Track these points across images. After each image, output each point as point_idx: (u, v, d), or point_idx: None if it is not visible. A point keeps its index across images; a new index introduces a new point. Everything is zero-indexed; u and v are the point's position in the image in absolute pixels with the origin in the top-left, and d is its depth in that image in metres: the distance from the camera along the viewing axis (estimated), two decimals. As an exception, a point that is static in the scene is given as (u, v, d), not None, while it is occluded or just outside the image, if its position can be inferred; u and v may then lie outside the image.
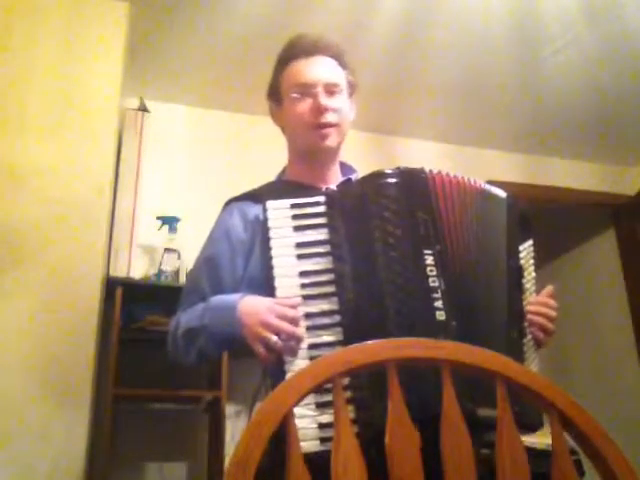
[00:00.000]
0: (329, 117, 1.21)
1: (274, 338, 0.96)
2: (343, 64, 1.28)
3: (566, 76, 2.90)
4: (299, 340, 0.96)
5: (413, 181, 1.05)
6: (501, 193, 1.13)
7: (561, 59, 2.77)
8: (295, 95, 1.23)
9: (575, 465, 0.68)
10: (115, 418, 2.20)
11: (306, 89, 1.22)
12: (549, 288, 1.14)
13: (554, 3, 2.43)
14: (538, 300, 1.12)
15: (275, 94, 1.30)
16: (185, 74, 2.83)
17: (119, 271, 2.31)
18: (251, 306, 1.02)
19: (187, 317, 1.15)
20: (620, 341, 3.66)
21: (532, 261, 1.14)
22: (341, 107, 1.23)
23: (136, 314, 2.34)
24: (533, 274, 1.13)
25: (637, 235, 3.65)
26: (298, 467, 0.61)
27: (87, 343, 1.92)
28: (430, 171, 1.06)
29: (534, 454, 0.88)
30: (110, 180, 2.21)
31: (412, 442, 0.64)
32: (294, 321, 0.96)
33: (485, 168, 3.31)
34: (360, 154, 3.15)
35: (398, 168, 1.06)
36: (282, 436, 0.62)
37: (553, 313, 1.11)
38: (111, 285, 2.26)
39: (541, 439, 1.76)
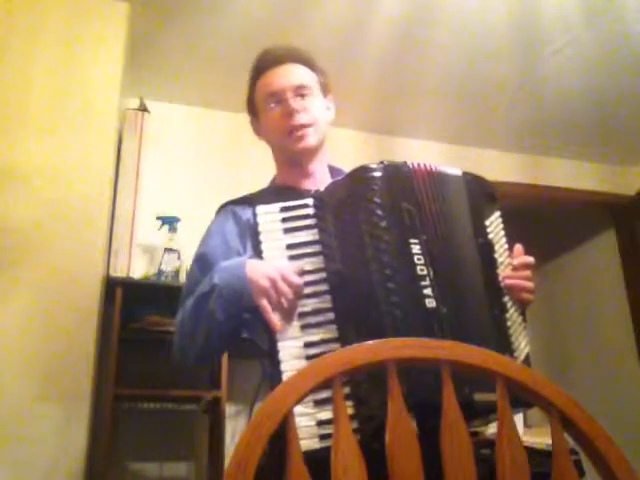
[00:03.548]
0: (300, 119, 1.24)
1: (275, 295, 0.99)
2: (312, 67, 1.32)
3: (566, 76, 2.90)
4: (294, 307, 0.99)
5: (397, 174, 1.07)
6: (457, 172, 1.13)
7: (561, 59, 2.77)
8: (267, 106, 1.28)
9: (575, 465, 0.68)
10: (115, 418, 2.20)
11: (276, 97, 1.26)
12: (518, 247, 1.14)
13: (554, 3, 2.43)
14: (514, 267, 1.11)
15: (252, 108, 1.35)
16: (185, 74, 2.83)
17: (119, 271, 2.31)
18: (259, 263, 1.04)
19: (195, 294, 1.13)
20: (620, 340, 3.66)
21: (502, 232, 1.14)
22: (312, 107, 1.27)
23: (136, 314, 2.34)
24: (505, 246, 1.13)
25: (637, 235, 3.66)
26: (298, 467, 0.61)
27: (87, 343, 1.92)
28: (412, 163, 1.08)
29: (534, 454, 0.88)
30: (110, 180, 2.21)
31: (412, 441, 0.64)
32: (296, 287, 0.99)
33: (485, 168, 3.30)
34: (360, 154, 3.16)
35: (382, 162, 1.07)
36: (282, 436, 0.62)
37: (528, 272, 1.11)
38: (111, 285, 2.25)
39: (541, 439, 1.77)
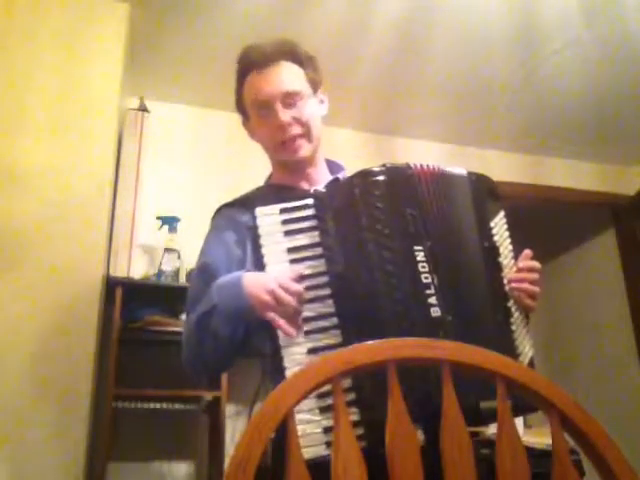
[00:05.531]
0: (293, 130, 1.20)
1: (278, 307, 0.96)
2: (301, 63, 1.25)
3: (566, 76, 2.90)
4: (299, 314, 0.97)
5: (400, 178, 1.04)
6: (461, 172, 1.11)
7: (561, 59, 2.77)
8: (257, 114, 1.23)
9: (575, 465, 0.68)
10: (115, 418, 2.20)
11: (264, 107, 1.21)
12: (526, 252, 1.12)
13: (554, 3, 2.43)
14: (519, 269, 1.09)
15: (241, 108, 1.29)
16: (185, 74, 2.83)
17: (119, 271, 2.31)
18: (256, 277, 1.02)
19: (198, 309, 1.11)
20: (620, 341, 3.66)
21: (507, 234, 1.12)
22: (303, 113, 1.21)
23: (136, 314, 2.34)
24: (510, 247, 1.11)
25: (637, 235, 3.66)
26: (298, 467, 0.61)
27: (87, 343, 1.91)
28: (415, 165, 1.05)
29: (534, 454, 0.88)
30: (110, 180, 2.21)
31: (412, 441, 0.64)
32: (297, 294, 0.97)
33: (485, 168, 3.29)
34: (360, 154, 3.16)
35: (384, 165, 1.04)
36: (282, 436, 0.62)
37: (535, 276, 1.09)
38: (111, 285, 2.25)
39: (541, 439, 1.76)
